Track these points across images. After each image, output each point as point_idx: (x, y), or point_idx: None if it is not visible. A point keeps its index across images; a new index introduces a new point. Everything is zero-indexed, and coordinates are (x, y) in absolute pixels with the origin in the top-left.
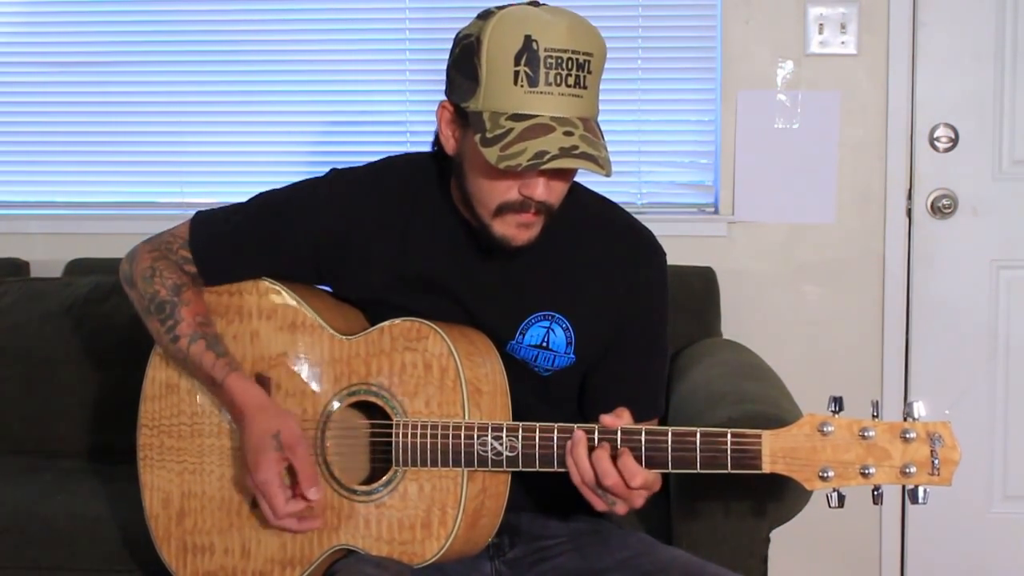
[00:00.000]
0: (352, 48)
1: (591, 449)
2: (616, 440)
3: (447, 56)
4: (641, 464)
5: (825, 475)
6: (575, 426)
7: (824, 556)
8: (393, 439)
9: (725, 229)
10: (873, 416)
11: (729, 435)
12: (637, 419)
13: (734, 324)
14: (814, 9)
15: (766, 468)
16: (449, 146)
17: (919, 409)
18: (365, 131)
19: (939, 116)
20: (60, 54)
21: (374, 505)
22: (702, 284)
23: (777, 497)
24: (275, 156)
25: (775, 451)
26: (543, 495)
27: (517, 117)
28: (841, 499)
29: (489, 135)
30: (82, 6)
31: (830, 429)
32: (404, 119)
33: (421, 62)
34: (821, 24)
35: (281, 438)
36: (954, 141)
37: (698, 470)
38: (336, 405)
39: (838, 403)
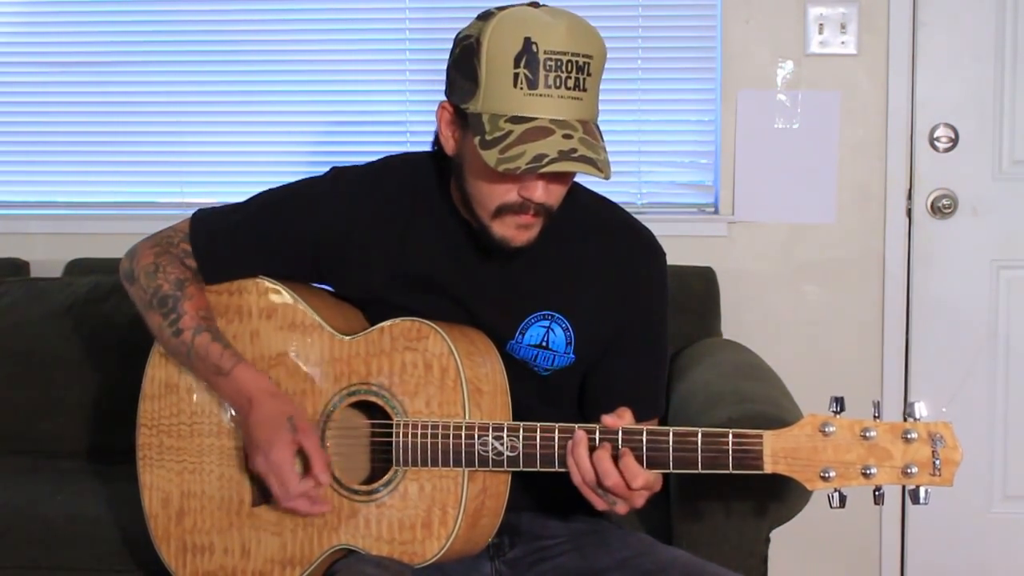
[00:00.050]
0: (352, 48)
1: (592, 449)
2: (617, 440)
3: (447, 56)
4: (642, 464)
5: (826, 475)
6: (576, 426)
7: (824, 556)
8: (393, 439)
9: (725, 229)
10: (874, 416)
11: (731, 435)
12: (637, 419)
13: (734, 324)
14: (814, 9)
15: (767, 468)
16: (449, 147)
17: (920, 409)
18: (365, 131)
19: (939, 116)
20: (60, 54)
21: (374, 505)
22: (702, 284)
23: (778, 497)
24: (275, 156)
25: (776, 451)
26: (543, 495)
27: (516, 119)
28: (843, 499)
29: (488, 137)
30: (82, 6)
31: (831, 429)
32: (404, 119)
33: (421, 62)
34: (821, 24)
35: (295, 422)
36: (954, 141)
37: (699, 470)
38: (336, 405)
39: (839, 403)
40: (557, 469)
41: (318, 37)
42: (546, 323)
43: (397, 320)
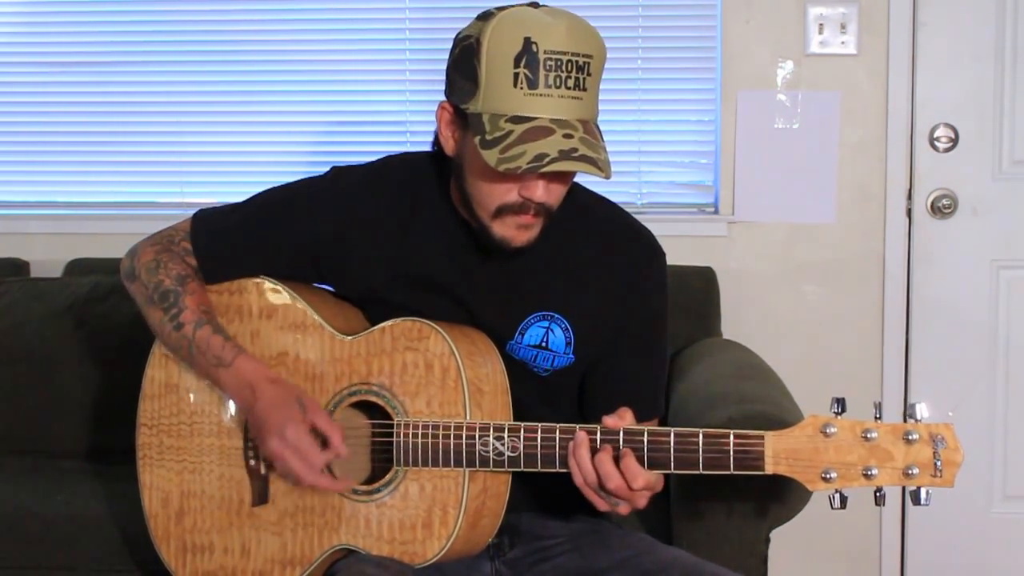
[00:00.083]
0: (352, 48)
1: (593, 451)
2: (619, 441)
3: (447, 57)
4: (643, 465)
5: (828, 476)
6: (577, 427)
7: (824, 556)
8: (394, 439)
9: (725, 229)
10: (875, 417)
11: (732, 436)
12: (637, 420)
13: (734, 324)
14: (814, 9)
15: (768, 469)
16: (449, 147)
17: (922, 410)
18: (365, 131)
19: (939, 116)
20: (60, 54)
21: (375, 505)
22: (702, 284)
23: (778, 498)
24: (275, 156)
25: (778, 452)
26: (543, 495)
27: (517, 119)
28: (843, 500)
29: (489, 137)
30: (82, 6)
31: (833, 430)
32: (404, 119)
33: (421, 62)
34: (821, 24)
35: (303, 401)
36: (954, 141)
37: (700, 471)
38: (337, 405)
39: (840, 404)
40: (558, 469)
41: (318, 37)
42: (545, 323)
43: (398, 320)
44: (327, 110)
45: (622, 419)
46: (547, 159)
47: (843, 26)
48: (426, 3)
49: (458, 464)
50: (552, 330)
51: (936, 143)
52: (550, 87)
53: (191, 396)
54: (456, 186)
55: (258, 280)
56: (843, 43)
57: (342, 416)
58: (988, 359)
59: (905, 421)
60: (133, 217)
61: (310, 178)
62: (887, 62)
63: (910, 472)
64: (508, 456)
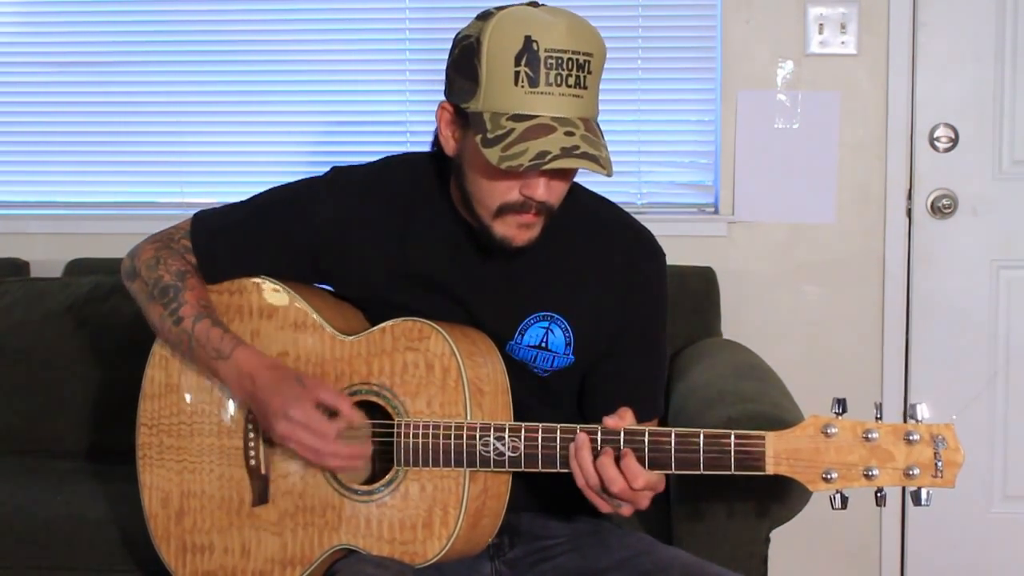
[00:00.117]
0: (352, 48)
1: (595, 453)
2: (619, 442)
3: (447, 57)
4: (644, 465)
5: (828, 477)
6: (578, 427)
7: (824, 556)
8: (395, 439)
9: (725, 229)
10: (876, 418)
11: (733, 436)
12: (637, 420)
13: (734, 324)
14: (814, 9)
15: (769, 470)
16: (449, 147)
17: (923, 411)
18: (365, 131)
19: (939, 116)
20: (60, 54)
21: (375, 505)
22: (702, 284)
23: (778, 498)
24: (275, 156)
25: (779, 452)
26: (543, 495)
27: (518, 117)
28: (844, 501)
29: (490, 135)
30: (82, 6)
31: (834, 431)
32: (404, 119)
33: (421, 62)
34: (821, 24)
35: (303, 380)
36: (954, 141)
37: (701, 471)
38: None
39: (841, 405)
40: (558, 470)
41: (318, 37)
42: (545, 324)
43: (398, 320)
44: (327, 110)
45: (622, 419)
46: (549, 156)
47: (843, 26)
48: (426, 3)
49: (458, 464)
50: (552, 330)
51: (936, 143)
52: (551, 85)
53: (191, 396)
54: (456, 186)
55: (258, 280)
56: (843, 43)
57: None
58: (988, 359)
59: (906, 421)
60: (133, 217)
61: (310, 178)
62: (887, 62)
63: (911, 473)
64: (508, 456)
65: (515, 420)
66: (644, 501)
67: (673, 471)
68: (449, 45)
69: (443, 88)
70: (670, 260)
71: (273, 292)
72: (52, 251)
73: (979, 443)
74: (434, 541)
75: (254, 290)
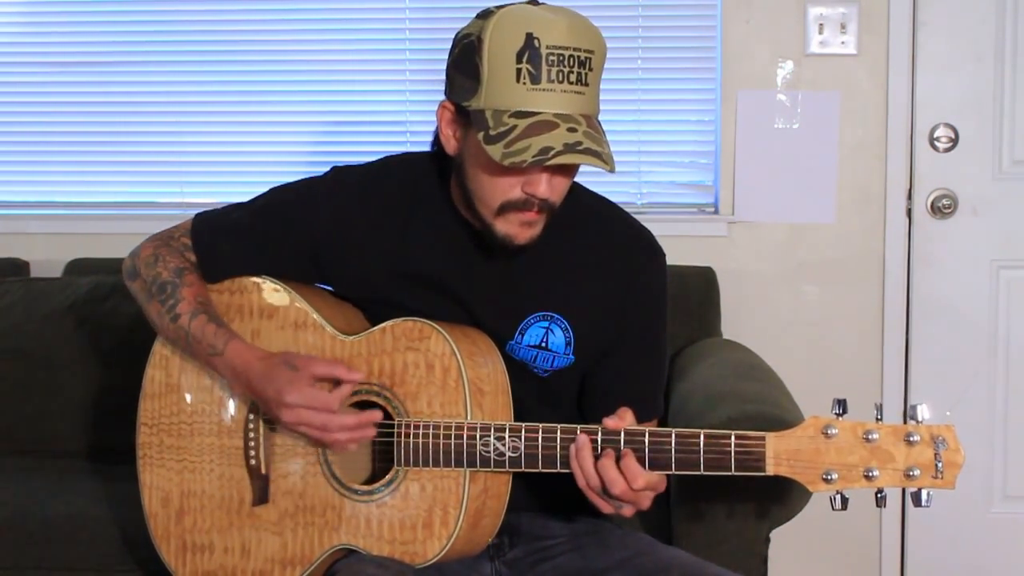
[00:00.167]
0: (352, 48)
1: (596, 455)
2: (620, 443)
3: (447, 56)
4: (645, 466)
5: (829, 478)
6: (579, 428)
7: (824, 556)
8: (395, 439)
9: (725, 229)
10: (877, 419)
11: (733, 437)
12: (637, 420)
13: (734, 324)
14: (814, 9)
15: (769, 470)
16: (450, 146)
17: (923, 412)
18: (365, 131)
19: (939, 116)
20: (60, 54)
21: (375, 505)
22: (702, 284)
23: (778, 498)
24: (275, 156)
25: (779, 453)
26: (544, 495)
27: (520, 114)
28: (844, 502)
29: (492, 132)
30: (82, 6)
31: (834, 432)
32: (404, 119)
33: (421, 62)
34: (821, 24)
35: (293, 362)
36: (954, 141)
37: (701, 472)
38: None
39: (842, 406)
40: (558, 470)
41: (318, 37)
42: (545, 324)
43: (399, 320)
44: (327, 110)
45: (622, 420)
46: (552, 152)
47: (843, 26)
48: (426, 3)
49: (459, 464)
50: (552, 330)
51: (936, 143)
52: (552, 82)
53: (191, 396)
54: (458, 185)
55: (259, 280)
56: (843, 43)
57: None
58: (988, 359)
59: (906, 422)
60: (133, 217)
61: (311, 178)
62: (887, 62)
63: (911, 473)
64: (509, 456)
65: (515, 420)
66: (645, 502)
67: (673, 472)
68: (449, 45)
69: (443, 88)
70: (670, 260)
71: (273, 292)
72: (52, 251)
73: (979, 443)
74: (434, 541)
75: (254, 290)
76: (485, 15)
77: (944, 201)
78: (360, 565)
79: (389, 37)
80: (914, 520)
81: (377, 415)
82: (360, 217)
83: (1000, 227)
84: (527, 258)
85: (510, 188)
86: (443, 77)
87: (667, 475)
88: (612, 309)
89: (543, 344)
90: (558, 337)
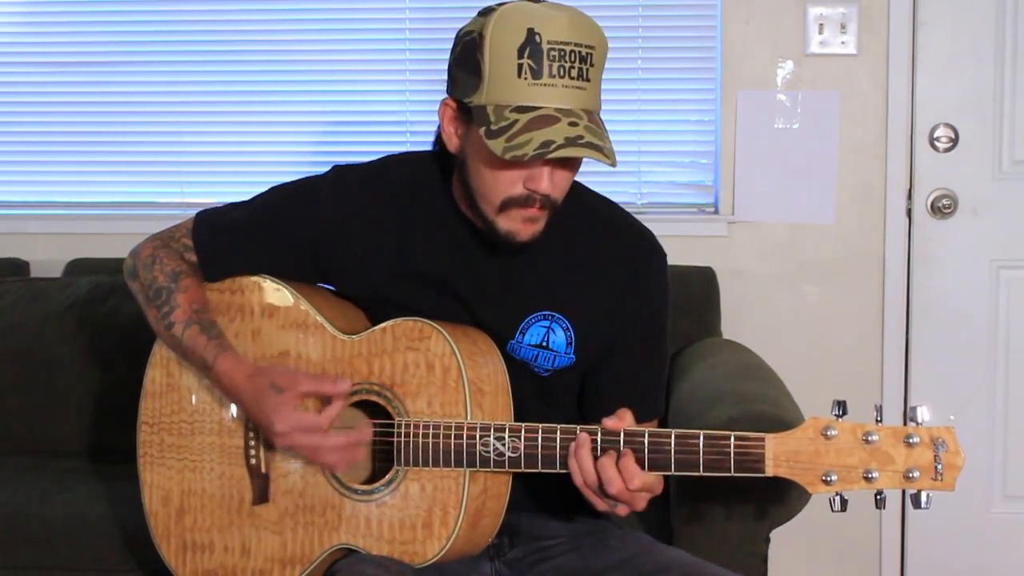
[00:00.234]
0: (352, 48)
1: (595, 453)
2: (619, 443)
3: (447, 56)
4: (644, 466)
5: (828, 479)
6: (578, 428)
7: (824, 556)
8: (395, 439)
9: (725, 229)
10: (876, 420)
11: (732, 438)
12: (637, 420)
13: (734, 324)
14: (814, 9)
15: (769, 471)
16: (452, 144)
17: (923, 414)
18: (365, 131)
19: (939, 116)
20: (60, 54)
21: (375, 504)
22: (702, 284)
23: (777, 499)
24: (275, 156)
25: (778, 454)
26: (543, 495)
27: (522, 109)
28: (844, 503)
29: (494, 127)
30: (82, 6)
31: (834, 433)
32: (404, 119)
33: (421, 62)
34: (821, 24)
35: (278, 384)
36: (954, 141)
37: (701, 472)
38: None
39: (841, 407)
40: (558, 470)
41: (318, 37)
42: (546, 323)
43: (399, 320)
44: (327, 110)
45: (622, 420)
46: (554, 146)
47: (843, 26)
48: (426, 3)
49: (458, 464)
50: (553, 330)
51: (936, 143)
52: (554, 77)
53: (192, 395)
54: (459, 183)
55: (259, 279)
56: (843, 43)
57: (343, 415)
58: (988, 359)
59: (906, 424)
60: (133, 217)
61: (312, 177)
62: (887, 62)
63: (911, 475)
64: (508, 456)
65: (515, 420)
66: (640, 503)
67: (673, 472)
68: (449, 44)
69: (444, 87)
70: (670, 260)
71: (274, 291)
72: (52, 251)
73: (979, 443)
74: (434, 541)
75: (255, 289)
76: (486, 12)
77: (944, 201)
78: (360, 565)
79: (389, 37)
80: (914, 520)
81: (367, 434)
82: (361, 216)
83: (1000, 227)
84: (528, 257)
85: (512, 184)
86: (443, 77)
87: (666, 476)
88: (613, 309)
89: (544, 343)
90: (559, 336)
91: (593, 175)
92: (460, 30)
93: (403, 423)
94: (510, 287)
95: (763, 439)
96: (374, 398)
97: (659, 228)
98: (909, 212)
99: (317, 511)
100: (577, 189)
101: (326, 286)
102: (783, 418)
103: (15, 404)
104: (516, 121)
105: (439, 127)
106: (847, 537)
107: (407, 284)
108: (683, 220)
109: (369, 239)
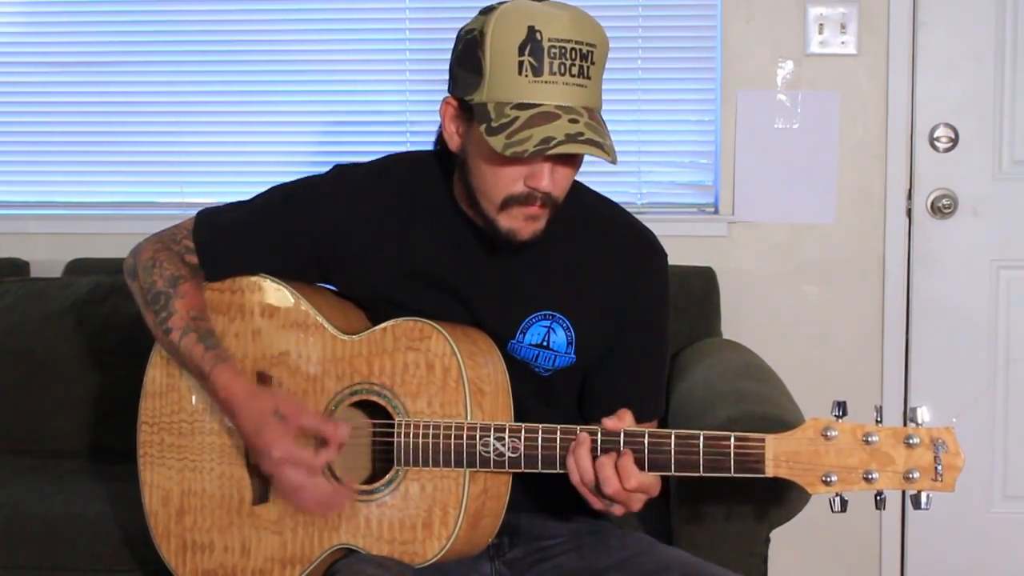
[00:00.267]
0: (352, 48)
1: (594, 453)
2: (619, 443)
3: (447, 55)
4: (644, 466)
5: (828, 480)
6: (578, 428)
7: (824, 556)
8: (395, 439)
9: (725, 229)
10: (876, 421)
11: (732, 439)
12: (637, 421)
13: (734, 324)
14: (814, 9)
15: (769, 472)
16: (453, 142)
17: (923, 414)
18: (365, 131)
19: (939, 116)
20: (60, 54)
21: (375, 504)
22: (702, 284)
23: (777, 499)
24: (275, 156)
25: (778, 455)
26: (543, 495)
27: (522, 106)
28: (843, 504)
29: (495, 124)
30: (82, 6)
31: (834, 434)
32: (404, 119)
33: (421, 62)
34: (821, 24)
35: (281, 411)
36: (954, 141)
37: (701, 473)
38: (338, 404)
39: (842, 408)
40: (558, 470)
41: (318, 37)
42: (547, 323)
43: (399, 320)
44: (327, 110)
45: (622, 420)
46: (554, 142)
47: (843, 26)
48: (426, 3)
49: (459, 464)
50: (554, 329)
51: (936, 143)
52: (555, 74)
53: (192, 395)
54: (461, 181)
55: (260, 279)
56: (843, 43)
57: (343, 416)
58: (988, 359)
59: (906, 425)
60: (133, 217)
61: (313, 176)
62: (887, 62)
63: (911, 476)
64: (508, 457)
65: (516, 420)
66: (636, 504)
67: (673, 473)
68: (449, 44)
69: (444, 86)
70: (670, 260)
71: (274, 291)
72: (52, 251)
73: (979, 443)
74: (434, 541)
75: (255, 289)
76: (488, 11)
77: (944, 201)
78: (360, 565)
79: (389, 37)
80: (914, 520)
81: (351, 495)
82: (362, 216)
83: (1000, 227)
84: (529, 257)
85: (513, 182)
86: (443, 76)
87: (666, 476)
88: (614, 309)
89: (545, 343)
90: (560, 336)
91: (593, 175)
92: (462, 28)
93: (403, 423)
94: (511, 287)
95: (763, 440)
96: (374, 398)
97: (659, 228)
98: (909, 212)
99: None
100: (578, 189)
101: (326, 286)
102: (783, 418)
103: (15, 404)
104: (516, 118)
105: (440, 126)
106: (847, 537)
107: (408, 284)
108: (683, 220)
109: (370, 239)
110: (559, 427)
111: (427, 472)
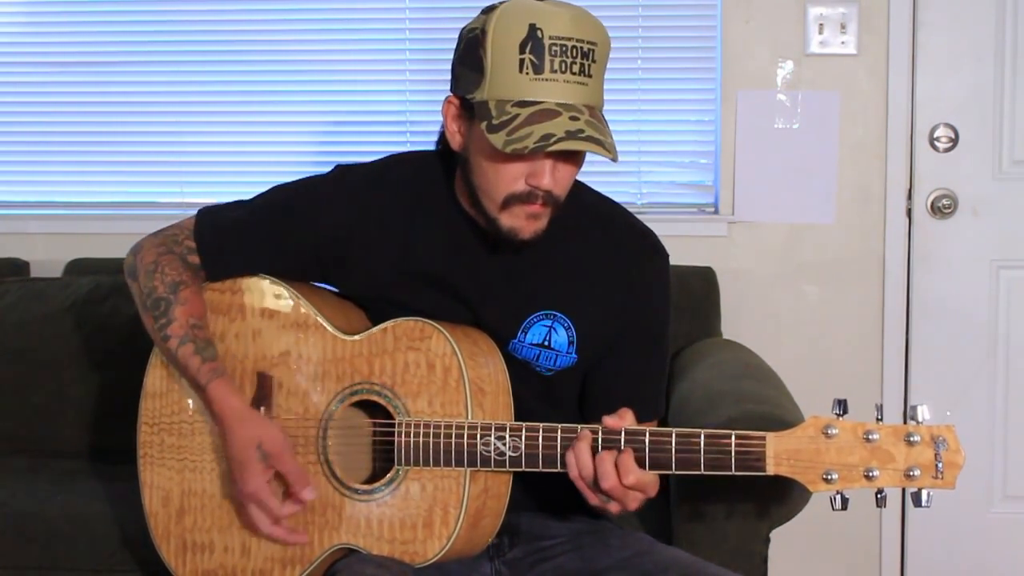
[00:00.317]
0: (352, 48)
1: (594, 449)
2: (620, 442)
3: (447, 55)
4: (645, 465)
5: (829, 478)
6: (579, 427)
7: (824, 556)
8: (395, 438)
9: (725, 229)
10: (877, 419)
11: (733, 437)
12: (638, 420)
13: (734, 324)
14: (814, 9)
15: (770, 470)
16: (455, 141)
17: (923, 412)
18: (365, 131)
19: (939, 116)
20: (60, 54)
21: (375, 504)
22: (702, 284)
23: (778, 498)
24: (275, 156)
25: (779, 453)
26: (544, 495)
27: (523, 103)
28: (844, 502)
29: (495, 121)
30: (82, 6)
31: (834, 432)
32: (404, 119)
33: (421, 62)
34: (821, 24)
35: (264, 448)
36: (954, 141)
37: (702, 471)
38: (338, 404)
39: (842, 406)
40: (559, 470)
41: (318, 37)
42: (548, 322)
43: (400, 320)
44: (327, 110)
45: (622, 419)
46: (554, 139)
47: (843, 26)
48: (426, 3)
49: (459, 464)
50: (555, 329)
51: (936, 143)
52: (555, 72)
53: (192, 395)
54: (463, 180)
55: (260, 279)
56: (843, 43)
57: (344, 415)
58: (988, 359)
59: (906, 423)
60: (133, 217)
61: (315, 176)
62: (887, 62)
63: (911, 474)
64: (509, 456)
65: (517, 420)
66: (633, 503)
67: (674, 471)
68: (449, 44)
69: (444, 86)
70: (670, 260)
71: (274, 291)
72: (52, 251)
73: (979, 443)
74: (434, 541)
75: (255, 289)
76: (489, 9)
77: (944, 201)
78: (360, 565)
79: (389, 37)
80: (914, 520)
81: (302, 537)
82: (363, 216)
83: (1000, 227)
84: (530, 257)
85: (514, 180)
86: (444, 76)
87: (665, 476)
88: (615, 308)
89: (546, 343)
90: (561, 336)
91: (594, 175)
92: (464, 28)
93: (404, 423)
94: (512, 286)
95: (764, 438)
96: (375, 398)
97: (659, 228)
98: (909, 212)
99: (317, 511)
100: (579, 189)
101: (327, 286)
102: (783, 418)
103: (15, 404)
104: (517, 115)
105: (442, 125)
106: (847, 537)
107: (409, 283)
108: (683, 220)
109: (371, 239)
110: (560, 426)
111: (427, 472)
